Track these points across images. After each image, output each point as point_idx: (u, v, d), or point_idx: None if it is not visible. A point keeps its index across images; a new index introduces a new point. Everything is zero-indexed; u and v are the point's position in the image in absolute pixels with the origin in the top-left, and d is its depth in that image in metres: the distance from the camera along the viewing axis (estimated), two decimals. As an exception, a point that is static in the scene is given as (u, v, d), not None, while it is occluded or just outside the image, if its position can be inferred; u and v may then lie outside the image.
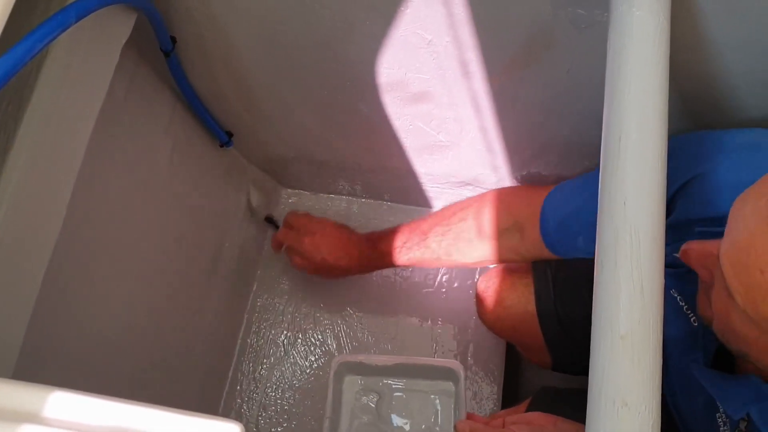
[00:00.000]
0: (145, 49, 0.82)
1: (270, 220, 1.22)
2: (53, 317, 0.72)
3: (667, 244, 0.67)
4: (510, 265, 1.05)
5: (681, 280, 0.68)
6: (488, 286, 1.02)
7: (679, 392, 0.75)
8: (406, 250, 0.98)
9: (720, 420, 0.67)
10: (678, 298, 0.69)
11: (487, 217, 0.91)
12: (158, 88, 0.89)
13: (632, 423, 0.44)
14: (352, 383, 0.88)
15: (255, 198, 1.13)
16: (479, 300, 1.04)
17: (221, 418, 0.38)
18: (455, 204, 0.98)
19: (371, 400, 0.85)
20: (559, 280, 0.95)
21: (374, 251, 1.02)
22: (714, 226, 0.60)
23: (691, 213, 0.66)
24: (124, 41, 0.69)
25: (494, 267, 1.07)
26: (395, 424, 0.84)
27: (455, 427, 0.76)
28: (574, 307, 0.93)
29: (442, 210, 0.99)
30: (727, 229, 0.52)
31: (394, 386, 0.86)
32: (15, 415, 0.37)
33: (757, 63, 0.67)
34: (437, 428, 0.85)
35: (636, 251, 0.48)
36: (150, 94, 0.87)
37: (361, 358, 0.87)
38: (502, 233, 0.89)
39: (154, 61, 0.85)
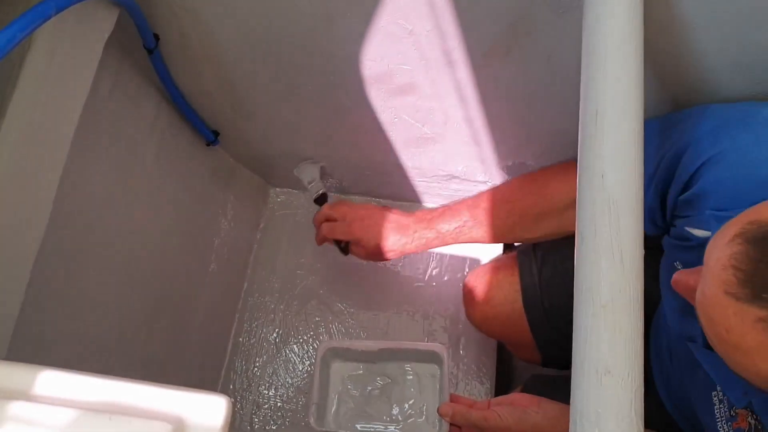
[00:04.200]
0: (129, 47, 0.82)
1: (321, 201, 1.10)
2: (40, 313, 0.73)
3: (680, 217, 0.67)
4: (496, 263, 1.05)
5: (685, 252, 0.67)
6: (475, 286, 1.02)
7: (680, 362, 0.75)
8: (467, 230, 0.95)
9: (716, 398, 0.67)
10: (681, 268, 0.68)
11: (549, 194, 0.90)
12: (143, 86, 0.89)
13: (615, 390, 0.45)
14: (338, 369, 0.88)
15: (307, 173, 0.97)
16: (467, 300, 1.04)
17: (208, 391, 0.39)
18: (514, 183, 0.96)
19: (358, 385, 0.85)
20: (545, 276, 0.96)
21: (431, 231, 0.96)
22: (727, 208, 0.59)
23: (708, 189, 0.64)
24: (106, 36, 0.70)
25: (480, 266, 1.08)
26: (382, 408, 0.84)
27: (438, 410, 0.77)
28: (560, 300, 0.93)
29: (497, 191, 0.96)
30: (702, 270, 0.50)
31: (380, 371, 0.87)
32: (6, 393, 0.37)
33: (728, 43, 0.68)
34: (423, 410, 0.85)
35: (615, 222, 0.49)
36: (134, 92, 0.87)
37: (347, 343, 0.88)
38: (566, 208, 0.88)
39: (139, 59, 0.86)
